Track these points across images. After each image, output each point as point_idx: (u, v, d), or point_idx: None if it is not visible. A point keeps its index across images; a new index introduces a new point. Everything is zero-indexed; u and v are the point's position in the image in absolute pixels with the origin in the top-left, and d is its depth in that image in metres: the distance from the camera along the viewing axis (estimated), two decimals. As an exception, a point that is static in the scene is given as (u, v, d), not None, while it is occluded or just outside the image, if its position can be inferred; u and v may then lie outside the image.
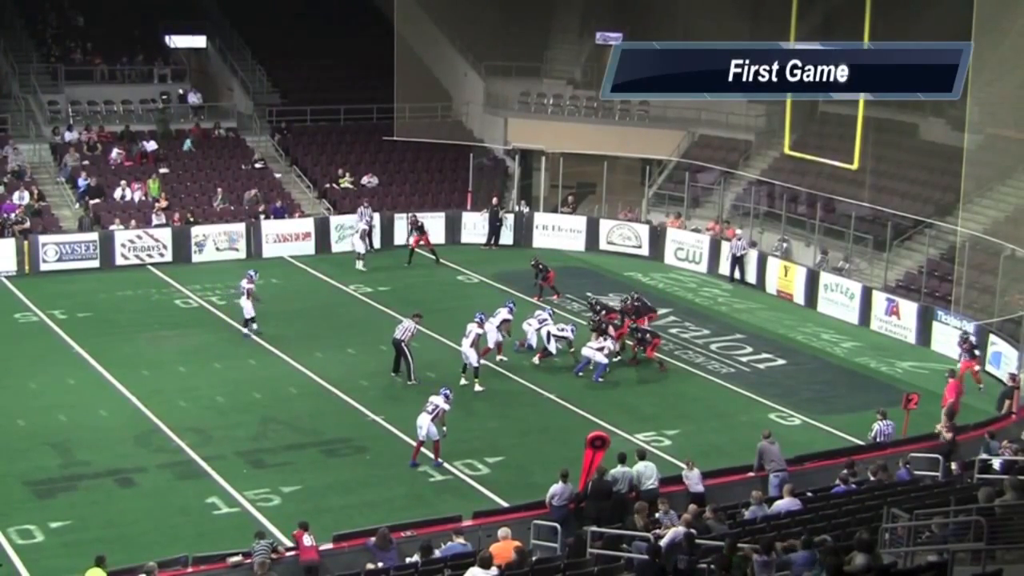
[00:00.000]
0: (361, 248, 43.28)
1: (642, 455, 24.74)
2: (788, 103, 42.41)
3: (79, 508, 24.79)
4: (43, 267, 41.39)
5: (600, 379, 32.63)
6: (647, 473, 24.01)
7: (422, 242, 43.99)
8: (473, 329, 31.98)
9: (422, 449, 27.43)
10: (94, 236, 42.45)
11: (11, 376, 31.91)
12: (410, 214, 45.34)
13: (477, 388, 31.64)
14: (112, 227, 43.21)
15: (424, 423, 27.15)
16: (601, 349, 32.91)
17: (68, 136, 48.36)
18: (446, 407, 27.57)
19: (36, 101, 49.61)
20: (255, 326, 35.23)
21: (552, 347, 33.83)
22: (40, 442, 27.80)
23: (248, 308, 35.23)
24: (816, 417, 30.66)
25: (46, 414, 29.45)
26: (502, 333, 33.60)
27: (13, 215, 42.77)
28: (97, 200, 44.91)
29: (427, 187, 50.20)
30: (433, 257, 43.71)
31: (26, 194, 44.12)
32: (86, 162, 46.96)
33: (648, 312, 36.08)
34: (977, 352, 33.70)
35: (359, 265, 42.74)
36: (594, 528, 21.27)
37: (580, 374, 32.94)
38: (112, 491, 25.73)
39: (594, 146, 48.76)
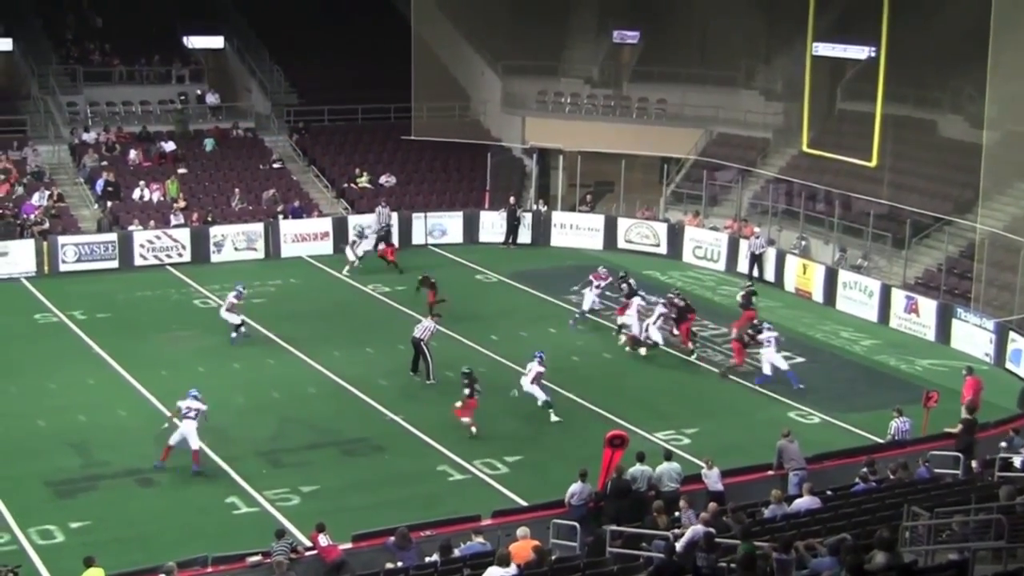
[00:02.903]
0: (351, 256, 42.78)
1: (668, 455, 24.67)
2: (806, 101, 42.38)
3: (99, 508, 24.86)
4: (62, 268, 41.53)
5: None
6: (670, 474, 23.92)
7: (387, 254, 43.46)
8: (534, 368, 30.75)
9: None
10: (113, 237, 42.57)
11: (31, 376, 32.00)
12: (379, 225, 44.80)
13: (553, 418, 30.17)
14: (131, 227, 43.31)
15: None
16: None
17: (87, 137, 48.52)
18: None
19: (55, 102, 49.78)
20: (243, 329, 34.87)
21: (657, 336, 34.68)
22: (60, 442, 27.90)
23: (233, 317, 34.81)
24: (835, 415, 30.58)
25: (66, 414, 29.55)
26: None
27: (33, 216, 42.91)
28: (116, 201, 45.02)
29: (445, 186, 50.21)
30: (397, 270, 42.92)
31: (45, 195, 44.27)
32: (105, 163, 47.07)
33: (690, 312, 36.02)
34: None
35: (345, 271, 42.38)
36: (613, 527, 21.23)
37: None
38: (131, 491, 25.80)
39: (612, 145, 48.67)
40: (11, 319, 36.83)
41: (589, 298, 37.29)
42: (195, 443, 26.67)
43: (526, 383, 30.58)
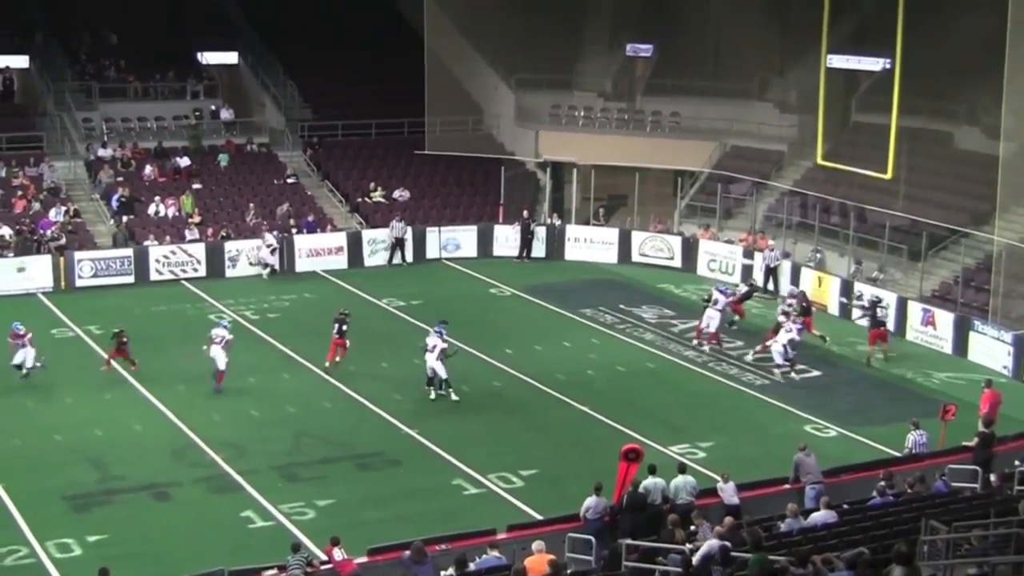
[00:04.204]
0: (271, 260, 43.54)
1: (682, 469, 24.59)
2: (820, 113, 42.30)
3: (116, 522, 24.91)
4: (79, 283, 41.66)
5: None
6: (685, 487, 23.87)
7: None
8: (437, 343, 31.79)
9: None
10: (129, 252, 42.69)
11: (48, 391, 32.10)
12: (275, 233, 44.71)
13: (454, 397, 31.76)
14: (146, 243, 43.42)
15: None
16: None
17: (102, 153, 48.69)
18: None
19: (71, 118, 49.94)
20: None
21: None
22: (77, 457, 27.97)
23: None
24: (852, 429, 30.48)
25: (83, 429, 29.63)
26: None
27: (49, 231, 43.06)
28: (131, 216, 45.15)
29: (458, 200, 50.27)
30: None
31: (62, 211, 44.43)
32: (120, 178, 47.20)
33: (807, 315, 36.27)
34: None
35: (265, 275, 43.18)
36: (629, 541, 21.18)
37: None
38: (148, 505, 25.85)
39: (625, 158, 48.68)
40: (30, 335, 36.83)
41: (714, 317, 36.65)
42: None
43: (431, 360, 31.57)
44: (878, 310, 36.38)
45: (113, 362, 33.23)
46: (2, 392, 31.93)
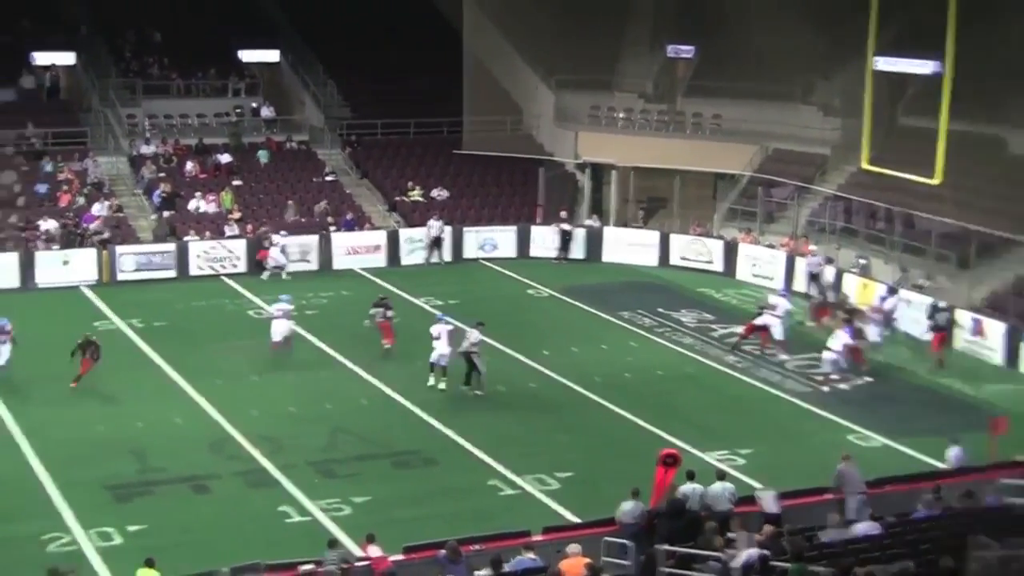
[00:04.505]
0: (282, 260, 43.49)
1: (721, 475, 24.37)
2: (866, 116, 41.59)
3: (155, 513, 25.02)
4: (121, 277, 41.90)
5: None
6: (723, 494, 23.66)
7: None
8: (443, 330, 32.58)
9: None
10: (170, 247, 42.93)
11: (91, 383, 32.18)
12: (263, 229, 44.72)
13: (441, 386, 32.25)
14: (187, 238, 43.61)
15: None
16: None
17: (145, 149, 49.02)
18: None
19: (115, 115, 50.31)
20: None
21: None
22: (118, 448, 28.12)
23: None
24: (896, 439, 29.90)
25: (124, 420, 29.81)
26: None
27: (93, 226, 43.33)
28: (172, 211, 45.39)
29: (496, 200, 50.25)
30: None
31: (105, 205, 44.71)
32: (162, 174, 47.50)
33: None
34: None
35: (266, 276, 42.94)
36: (666, 547, 21.08)
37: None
38: (187, 497, 25.98)
39: (665, 160, 48.55)
40: (71, 327, 37.02)
41: (777, 324, 36.31)
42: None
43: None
44: (939, 315, 35.93)
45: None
46: (52, 384, 32.05)
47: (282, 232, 44.15)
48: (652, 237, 46.57)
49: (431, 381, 32.41)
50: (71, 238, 42.60)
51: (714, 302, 41.28)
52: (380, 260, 45.20)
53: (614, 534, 22.53)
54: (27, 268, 41.05)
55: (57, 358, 32.51)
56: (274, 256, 43.28)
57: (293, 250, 44.01)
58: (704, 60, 51.45)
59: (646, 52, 53.79)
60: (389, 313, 35.24)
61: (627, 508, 23.05)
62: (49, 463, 27.13)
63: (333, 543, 21.81)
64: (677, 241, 46.01)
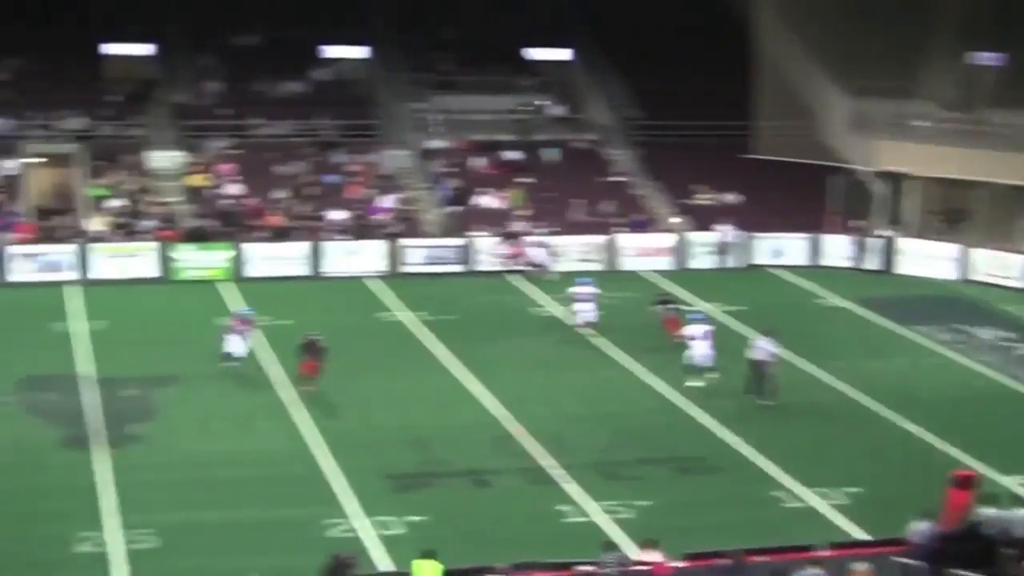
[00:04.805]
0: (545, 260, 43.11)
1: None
2: None
3: (436, 504, 25.04)
4: (407, 269, 42.49)
5: None
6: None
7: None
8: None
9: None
10: (458, 241, 43.31)
11: (376, 373, 32.75)
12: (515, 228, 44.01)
13: (700, 383, 31.86)
14: (473, 233, 43.95)
15: None
16: None
17: (435, 144, 49.66)
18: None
19: (407, 110, 51.14)
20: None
21: None
22: (401, 438, 28.33)
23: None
24: None
25: (408, 411, 30.08)
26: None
27: (381, 218, 44.13)
28: (460, 206, 45.87)
29: (787, 206, 48.94)
30: None
31: (394, 198, 45.48)
32: (450, 169, 48.05)
33: None
34: None
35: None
36: (960, 572, 19.99)
37: None
38: (467, 491, 25.95)
39: (967, 171, 46.41)
40: (358, 317, 37.95)
41: None
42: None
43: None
44: None
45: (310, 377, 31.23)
46: (336, 372, 32.70)
47: (542, 230, 44.02)
48: (952, 250, 44.60)
49: (689, 382, 31.95)
50: (361, 229, 43.43)
51: (1016, 320, 39.23)
52: (667, 263, 44.68)
53: (904, 554, 21.52)
54: (316, 257, 42.03)
55: (341, 346, 33.10)
56: (533, 255, 43.30)
57: (579, 250, 43.82)
58: (1013, 68, 49.05)
59: (949, 59, 51.63)
60: (672, 306, 35.22)
61: (919, 528, 21.99)
62: (332, 449, 27.54)
63: (609, 545, 21.48)
64: (978, 255, 43.94)
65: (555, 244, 43.99)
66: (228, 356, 32.01)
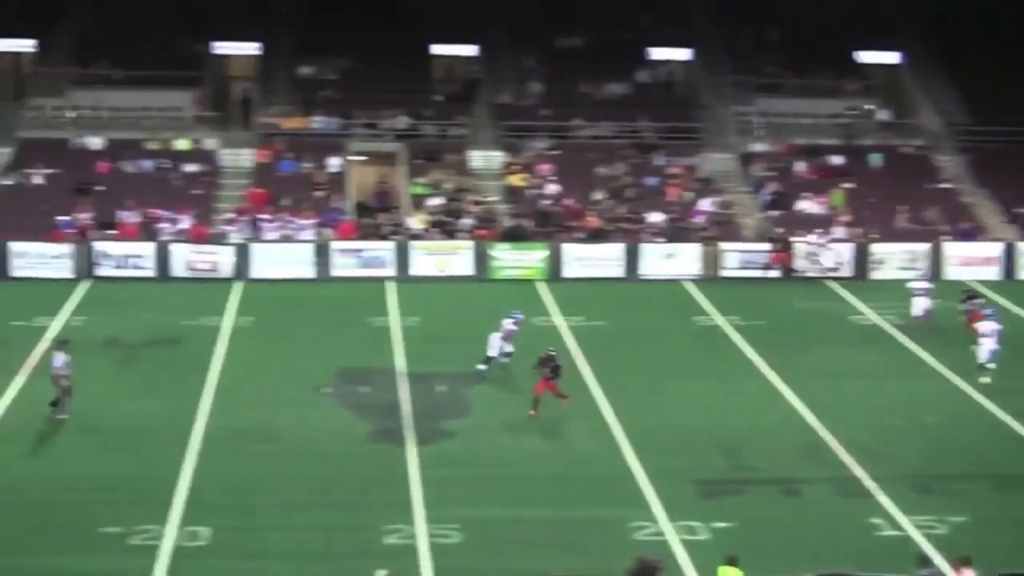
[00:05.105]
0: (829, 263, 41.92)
1: None
2: None
3: (743, 511, 24.68)
4: (724, 273, 42.05)
5: None
6: None
7: None
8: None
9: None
10: (767, 247, 42.61)
11: (687, 376, 32.58)
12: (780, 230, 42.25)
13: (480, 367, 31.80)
14: (793, 239, 43.14)
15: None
16: None
17: (756, 147, 49.08)
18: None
19: (728, 112, 50.73)
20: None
21: None
22: (710, 443, 28.08)
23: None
24: None
25: (718, 415, 29.77)
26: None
27: (700, 221, 43.86)
28: (779, 211, 45.16)
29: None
30: None
31: (713, 201, 45.14)
32: (771, 173, 47.40)
33: None
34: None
35: None
36: None
37: None
38: (776, 499, 25.47)
39: None
40: (672, 319, 37.80)
41: None
42: (492, 352, 31.89)
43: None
44: None
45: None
46: (648, 374, 32.66)
47: (821, 232, 42.91)
48: None
49: (980, 379, 31.63)
50: (676, 232, 43.26)
51: None
52: (994, 273, 42.88)
53: None
54: (632, 259, 42.07)
55: (653, 349, 33.37)
56: (824, 257, 42.32)
57: (902, 258, 42.54)
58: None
59: None
60: (978, 300, 34.65)
61: None
62: (640, 451, 27.48)
63: (925, 560, 20.81)
64: None
65: (875, 251, 42.79)
66: (504, 355, 32.37)
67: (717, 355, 34.47)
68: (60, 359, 28.52)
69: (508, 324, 32.42)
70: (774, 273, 42.08)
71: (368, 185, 46.53)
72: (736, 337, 35.87)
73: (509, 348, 32.23)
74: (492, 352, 32.14)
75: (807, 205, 45.64)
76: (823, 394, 31.13)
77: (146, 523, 23.36)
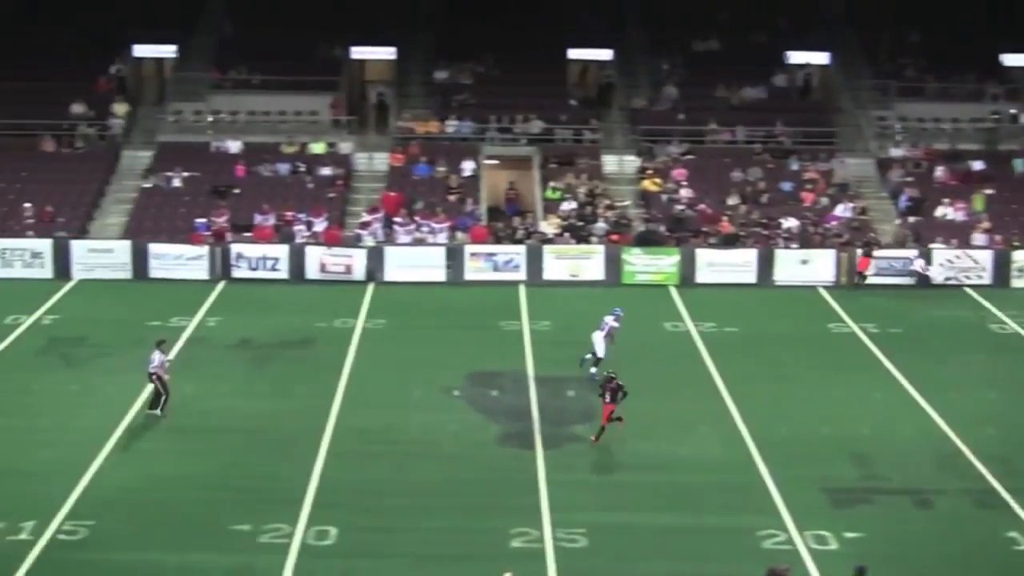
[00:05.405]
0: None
1: None
2: None
3: (872, 522, 24.28)
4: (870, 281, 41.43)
5: None
6: None
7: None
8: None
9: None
10: (913, 252, 41.70)
11: (819, 383, 32.16)
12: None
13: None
14: (932, 245, 42.29)
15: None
16: None
17: (894, 152, 48.24)
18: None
19: (865, 116, 49.97)
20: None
21: None
22: (841, 451, 27.65)
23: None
24: None
25: (849, 424, 29.27)
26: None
27: (834, 226, 43.21)
28: (917, 217, 44.30)
29: None
30: None
31: (849, 207, 44.44)
32: (910, 178, 46.52)
33: None
34: None
35: None
36: None
37: None
38: (907, 511, 24.99)
39: None
40: (805, 326, 37.26)
41: None
42: (600, 352, 31.79)
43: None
44: None
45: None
46: (779, 380, 32.28)
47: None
48: None
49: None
50: (810, 237, 42.65)
51: None
52: None
53: None
54: (766, 265, 41.55)
55: (786, 356, 33.32)
56: (918, 265, 41.27)
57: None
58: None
59: None
60: None
61: None
62: (770, 458, 27.18)
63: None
64: None
65: (1017, 258, 41.63)
66: (593, 357, 32.24)
67: (850, 363, 33.91)
68: (157, 358, 29.10)
69: (610, 321, 32.36)
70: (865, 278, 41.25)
71: (501, 189, 46.67)
72: (871, 345, 35.24)
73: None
74: (600, 352, 32.05)
75: (947, 211, 44.67)
76: (959, 404, 30.49)
77: (276, 522, 23.74)
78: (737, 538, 23.55)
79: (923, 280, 41.13)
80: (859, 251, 41.40)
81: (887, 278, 41.39)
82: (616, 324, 32.40)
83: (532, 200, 45.93)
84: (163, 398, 29.13)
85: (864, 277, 41.06)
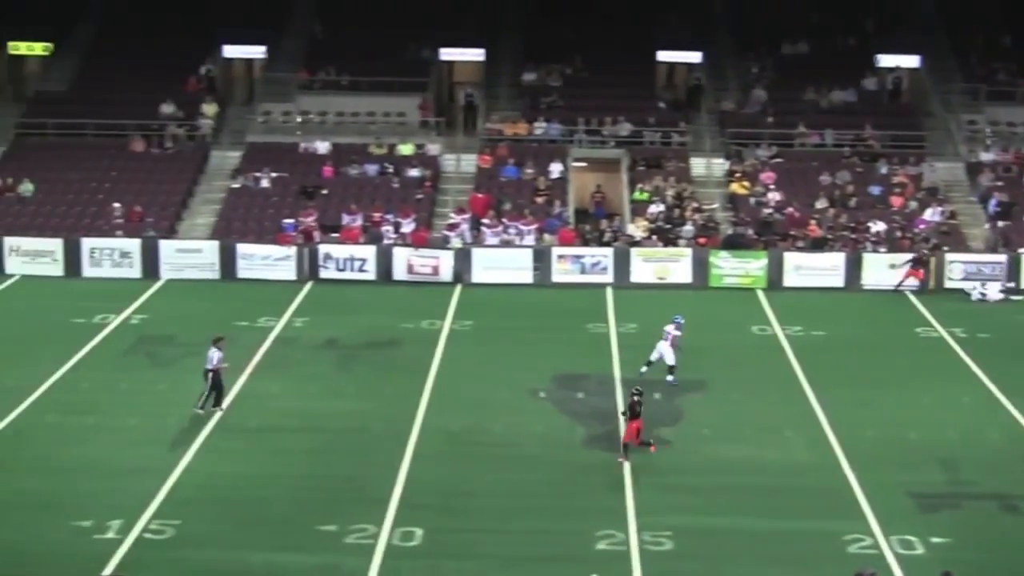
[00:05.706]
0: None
1: None
2: None
3: (960, 527, 24.10)
4: (949, 284, 40.95)
5: None
6: None
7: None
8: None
9: None
10: (1002, 258, 41.33)
11: (906, 388, 31.89)
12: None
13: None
14: (1021, 250, 41.81)
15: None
16: None
17: (984, 156, 47.74)
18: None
19: (955, 120, 49.50)
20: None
21: None
22: (929, 456, 27.45)
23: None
24: None
25: (937, 429, 29.07)
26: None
27: (923, 231, 42.85)
28: (1007, 222, 43.82)
29: None
30: None
31: (938, 211, 44.05)
32: (999, 183, 46.04)
33: None
34: None
35: None
36: None
37: None
38: (995, 516, 24.76)
39: None
40: (892, 330, 37.03)
41: None
42: (670, 360, 31.67)
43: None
44: None
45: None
46: (867, 385, 32.10)
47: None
48: None
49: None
50: (900, 242, 42.32)
51: None
52: None
53: None
54: (854, 269, 41.29)
55: (873, 360, 33.11)
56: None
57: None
58: None
59: None
60: None
61: None
62: (857, 462, 27.03)
63: None
64: None
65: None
66: (651, 364, 32.14)
67: (938, 367, 33.68)
68: (215, 355, 29.40)
69: (672, 330, 32.28)
70: (908, 287, 40.72)
71: (589, 191, 46.78)
72: (958, 349, 34.95)
73: (656, 356, 32.21)
74: (670, 360, 31.97)
75: (1036, 216, 44.27)
76: (1047, 409, 30.21)
77: (362, 522, 23.94)
78: (823, 542, 23.46)
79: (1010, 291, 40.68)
80: (912, 260, 40.84)
81: (976, 282, 40.93)
82: (678, 332, 32.27)
83: (620, 202, 45.99)
84: (212, 395, 29.29)
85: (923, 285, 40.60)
